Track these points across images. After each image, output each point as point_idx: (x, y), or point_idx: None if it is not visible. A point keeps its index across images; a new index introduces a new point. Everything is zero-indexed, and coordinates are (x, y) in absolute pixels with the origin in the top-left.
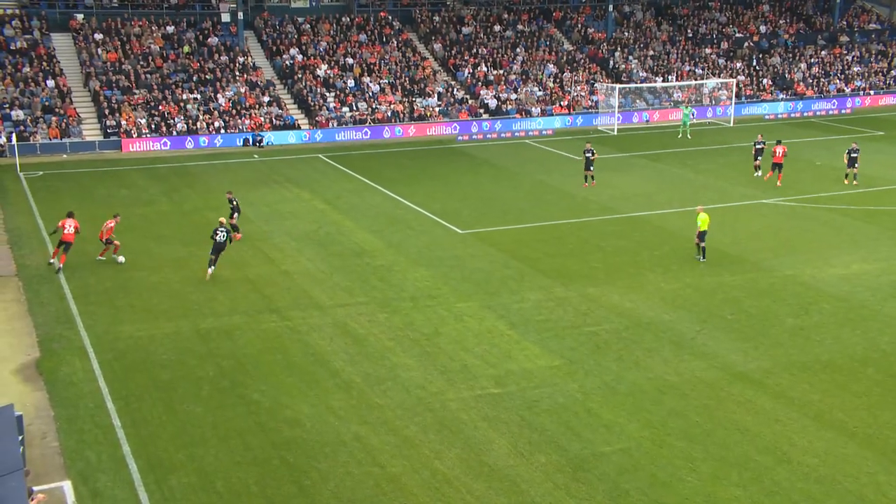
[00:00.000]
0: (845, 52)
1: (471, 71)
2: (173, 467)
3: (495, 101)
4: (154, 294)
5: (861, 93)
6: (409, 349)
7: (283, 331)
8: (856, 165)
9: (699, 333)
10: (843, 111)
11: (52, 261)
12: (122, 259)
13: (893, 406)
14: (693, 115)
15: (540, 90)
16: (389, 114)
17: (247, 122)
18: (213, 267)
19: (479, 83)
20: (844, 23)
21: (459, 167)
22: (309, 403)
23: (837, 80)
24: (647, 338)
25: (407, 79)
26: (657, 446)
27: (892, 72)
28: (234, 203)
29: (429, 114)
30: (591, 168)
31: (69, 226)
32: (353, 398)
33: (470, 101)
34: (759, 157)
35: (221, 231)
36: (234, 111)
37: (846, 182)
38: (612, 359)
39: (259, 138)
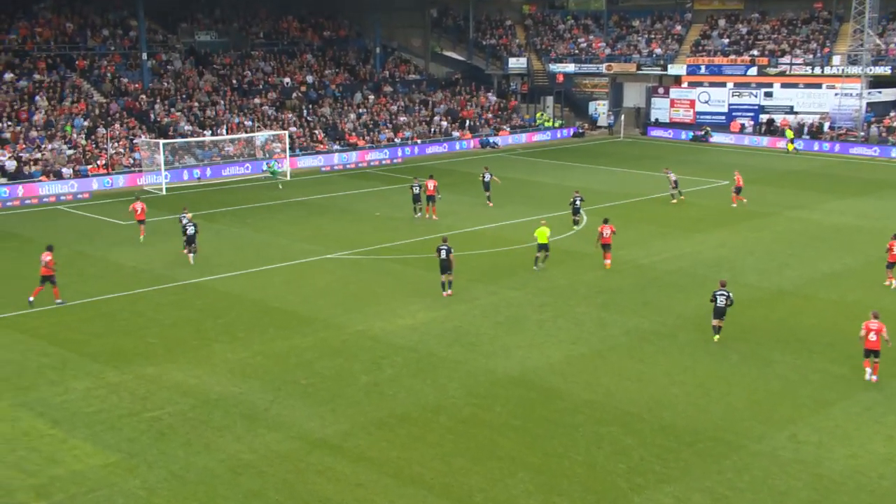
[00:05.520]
0: (390, 101)
1: None
2: None
3: (14, 163)
4: None
5: (409, 142)
6: None
7: None
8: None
9: (273, 403)
10: (394, 160)
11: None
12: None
13: (465, 452)
14: (278, 165)
15: (69, 148)
16: None
17: None
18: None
19: None
20: (387, 73)
21: None
22: None
23: (386, 130)
24: (217, 415)
25: None
26: None
27: (435, 119)
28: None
29: None
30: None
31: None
32: None
33: None
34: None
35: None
36: None
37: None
38: (178, 444)
39: None
